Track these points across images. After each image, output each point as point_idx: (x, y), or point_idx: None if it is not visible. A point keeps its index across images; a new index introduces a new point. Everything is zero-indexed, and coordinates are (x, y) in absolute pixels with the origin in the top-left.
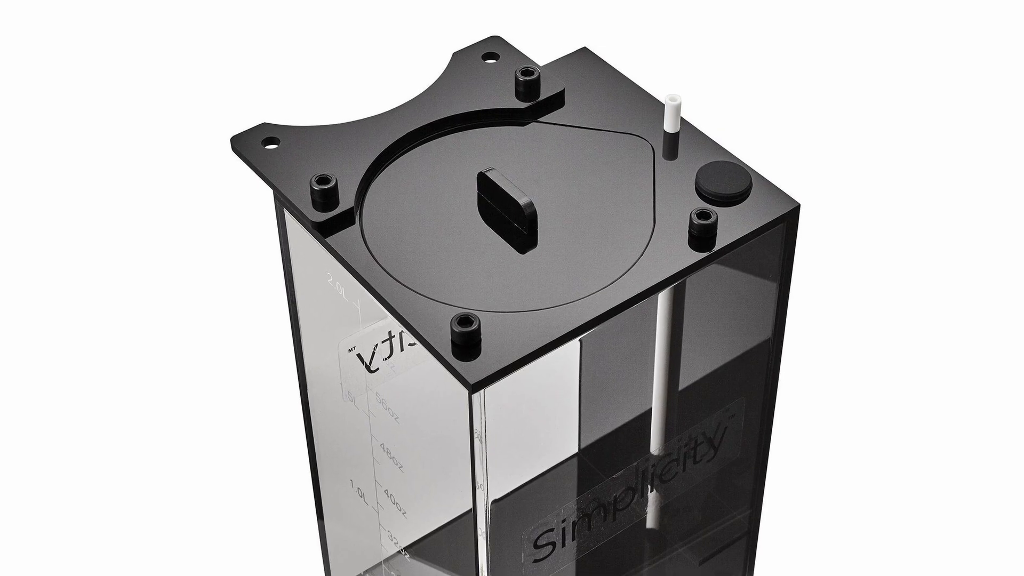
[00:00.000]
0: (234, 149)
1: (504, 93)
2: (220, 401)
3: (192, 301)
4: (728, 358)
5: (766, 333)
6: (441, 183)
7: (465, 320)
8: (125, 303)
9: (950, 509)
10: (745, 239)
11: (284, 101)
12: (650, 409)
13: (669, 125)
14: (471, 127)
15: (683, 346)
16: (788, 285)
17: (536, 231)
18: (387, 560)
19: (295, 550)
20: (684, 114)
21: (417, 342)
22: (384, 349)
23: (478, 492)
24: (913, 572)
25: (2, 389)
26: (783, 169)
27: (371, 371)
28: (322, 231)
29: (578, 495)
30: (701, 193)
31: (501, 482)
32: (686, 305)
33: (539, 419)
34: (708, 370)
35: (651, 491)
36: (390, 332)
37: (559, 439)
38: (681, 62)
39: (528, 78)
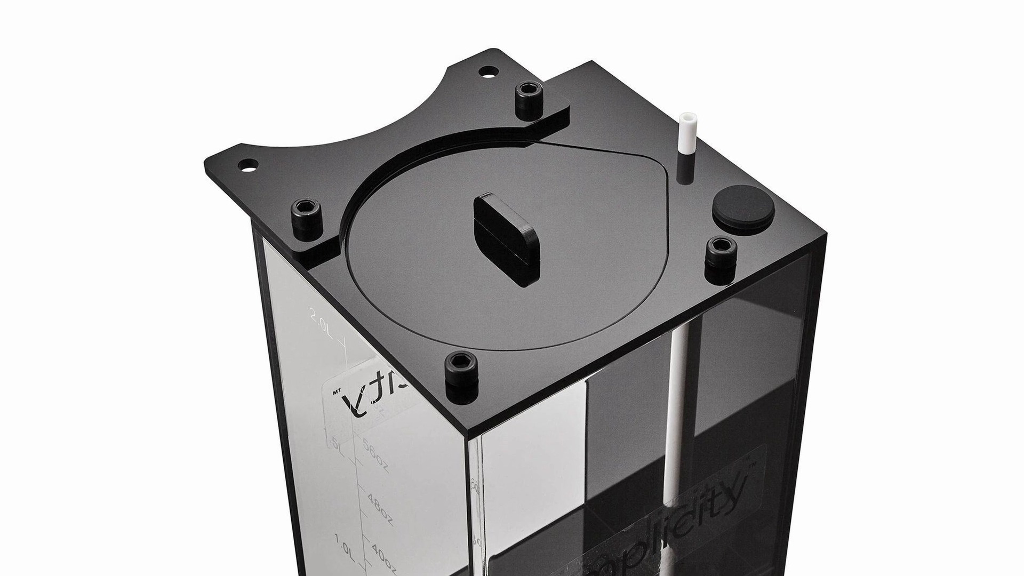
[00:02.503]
0: (208, 172)
1: (503, 111)
2: (192, 448)
3: (161, 338)
4: (748, 401)
5: (790, 373)
6: (434, 209)
7: (461, 359)
8: (87, 339)
9: (988, 572)
10: (767, 271)
11: (262, 120)
12: (663, 457)
13: (684, 146)
14: (467, 148)
15: (699, 388)
16: (814, 321)
17: (538, 262)
18: None
19: None
20: (700, 134)
21: (408, 383)
22: (372, 391)
23: (475, 548)
24: None
25: None
26: (808, 194)
27: (358, 415)
28: (304, 262)
29: (584, 551)
30: (719, 220)
31: (500, 536)
32: (702, 343)
33: (542, 468)
34: (726, 414)
35: (664, 546)
36: (379, 372)
37: (563, 489)
38: (697, 77)
39: (530, 94)
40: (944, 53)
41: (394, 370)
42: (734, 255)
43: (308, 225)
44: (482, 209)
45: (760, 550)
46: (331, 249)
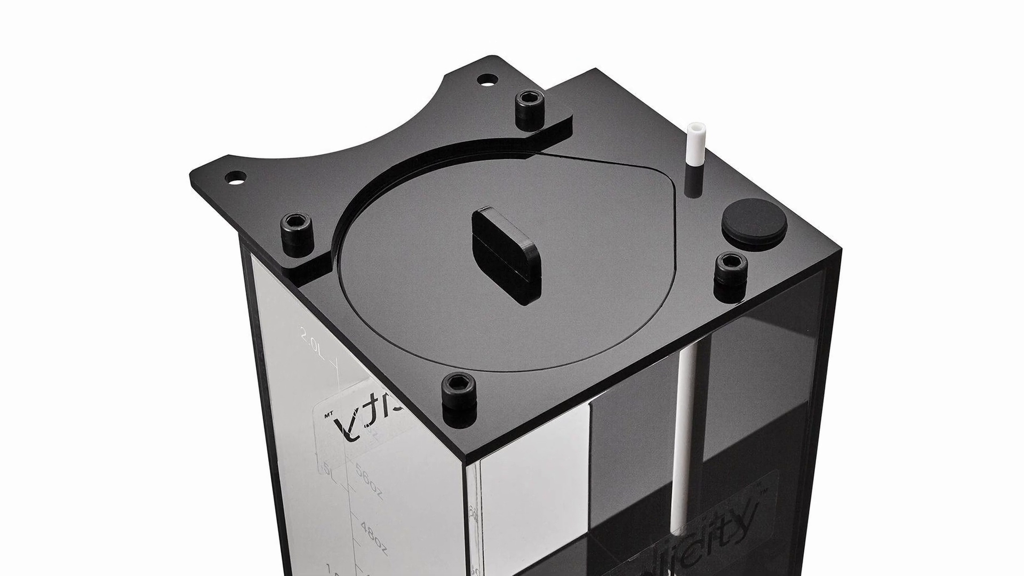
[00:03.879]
0: (194, 185)
1: (503, 121)
2: (177, 474)
3: (144, 360)
4: (760, 424)
5: (803, 396)
6: (431, 224)
7: (458, 381)
8: (63, 353)
9: None
10: (779, 288)
11: (250, 130)
12: (670, 483)
13: (692, 157)
14: (465, 160)
15: (708, 411)
16: (828, 340)
17: (539, 279)
18: None
19: None
20: (709, 145)
21: (403, 406)
22: (365, 414)
23: None
24: None
25: None
26: (822, 208)
27: (350, 439)
28: (294, 279)
29: None
30: (729, 235)
31: (500, 567)
32: (711, 364)
33: (543, 494)
34: (737, 438)
35: None
36: (372, 395)
37: (566, 517)
38: (706, 85)
39: (530, 103)
40: (960, 62)
41: (389, 392)
42: (744, 272)
43: (298, 240)
44: (481, 224)
45: None
46: (322, 265)
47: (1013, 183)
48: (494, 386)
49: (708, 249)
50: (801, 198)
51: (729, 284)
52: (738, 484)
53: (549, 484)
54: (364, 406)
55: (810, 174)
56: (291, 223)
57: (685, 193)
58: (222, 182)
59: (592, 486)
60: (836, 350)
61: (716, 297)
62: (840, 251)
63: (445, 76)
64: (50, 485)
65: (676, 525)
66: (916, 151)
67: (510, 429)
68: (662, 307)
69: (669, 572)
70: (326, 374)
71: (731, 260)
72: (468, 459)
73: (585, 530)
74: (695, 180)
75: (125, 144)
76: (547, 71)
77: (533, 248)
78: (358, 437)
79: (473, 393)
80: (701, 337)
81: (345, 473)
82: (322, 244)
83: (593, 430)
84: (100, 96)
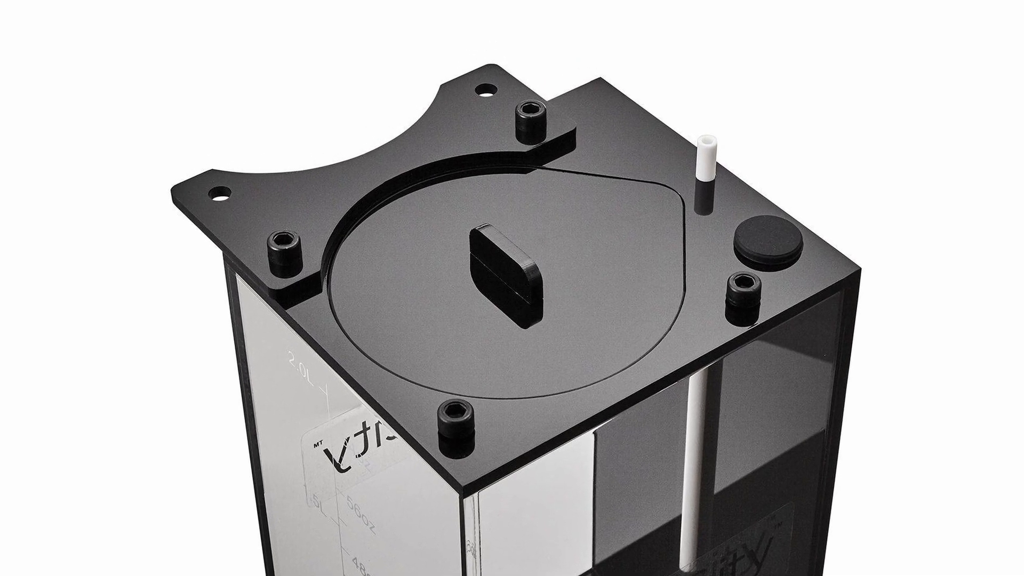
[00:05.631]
0: (175, 201)
1: (502, 133)
2: (158, 507)
3: (123, 386)
4: (774, 455)
5: (820, 424)
6: (426, 242)
7: (455, 409)
8: (38, 379)
9: None
10: (794, 310)
11: (235, 143)
12: (679, 516)
13: (702, 172)
14: (462, 174)
15: (719, 440)
16: (847, 366)
17: (541, 300)
18: None
19: None
20: (720, 159)
21: (397, 435)
22: (357, 444)
23: None
24: None
25: None
26: (840, 225)
27: (341, 470)
28: (282, 300)
29: None
30: (741, 254)
31: None
32: (723, 390)
33: (545, 528)
34: (749, 469)
35: None
36: (364, 423)
37: (569, 552)
38: (716, 95)
39: (532, 115)
40: (978, 79)
41: (381, 420)
42: (758, 293)
43: (286, 260)
44: (479, 242)
45: None
46: (312, 286)
47: None
48: (493, 414)
49: (719, 269)
50: (818, 215)
51: (742, 306)
52: (751, 518)
53: (551, 517)
54: (355, 435)
55: (827, 189)
56: (278, 242)
57: (695, 210)
58: (205, 198)
59: (596, 520)
60: (855, 376)
61: (728, 320)
62: (859, 271)
63: (442, 86)
64: (33, 522)
65: (685, 561)
66: (942, 164)
67: (510, 459)
68: (671, 330)
69: None
70: (315, 401)
71: (744, 281)
72: (466, 491)
73: (589, 566)
74: (706, 196)
75: (104, 158)
76: (549, 81)
77: (534, 268)
78: (349, 468)
79: (471, 421)
80: (712, 362)
81: (335, 506)
82: (311, 264)
83: (598, 460)
84: (77, 106)
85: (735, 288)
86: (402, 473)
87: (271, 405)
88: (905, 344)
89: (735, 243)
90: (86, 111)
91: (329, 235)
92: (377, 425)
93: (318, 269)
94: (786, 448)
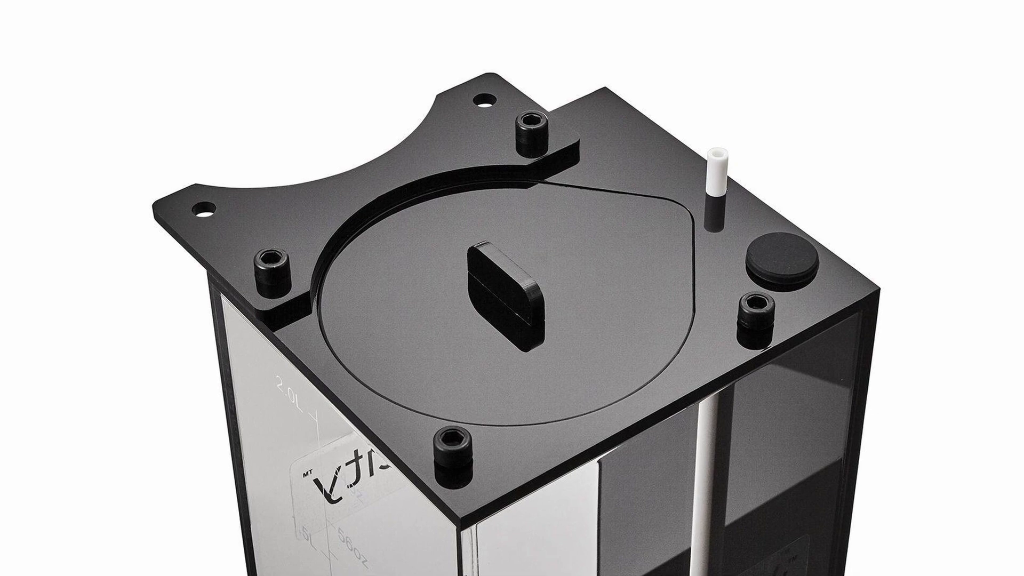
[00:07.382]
0: (157, 217)
1: (502, 145)
2: (140, 540)
3: (102, 412)
4: (788, 485)
5: (837, 452)
6: (421, 261)
7: (452, 436)
8: (16, 406)
9: None
10: (810, 332)
11: (220, 156)
12: (688, 549)
13: (713, 187)
14: (460, 189)
15: (730, 469)
16: (865, 391)
17: (543, 322)
18: None
19: None
20: (731, 173)
21: (391, 464)
22: (349, 473)
23: None
24: None
25: None
26: (858, 243)
27: (332, 501)
28: (270, 322)
29: None
30: (754, 274)
31: None
32: (734, 417)
33: (546, 562)
34: (762, 500)
35: None
36: (356, 452)
37: None
38: (727, 106)
39: (533, 126)
40: (998, 97)
41: (375, 449)
42: (771, 314)
43: (274, 279)
44: (477, 260)
45: None
46: (301, 307)
47: None
48: (492, 441)
49: (731, 289)
50: (834, 232)
51: (754, 328)
52: (764, 551)
53: (553, 551)
54: (347, 464)
55: (844, 205)
56: (266, 260)
57: (705, 226)
58: (189, 214)
59: (601, 553)
60: (873, 402)
61: (740, 342)
62: (878, 291)
63: (438, 96)
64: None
65: None
66: (966, 179)
67: (510, 490)
68: (679, 353)
69: None
70: (305, 428)
71: (756, 301)
72: (463, 523)
73: None
74: (716, 212)
75: (83, 172)
76: (551, 90)
77: (536, 288)
78: (340, 498)
79: (469, 449)
80: (723, 387)
81: (326, 538)
82: (300, 284)
83: (602, 491)
84: (56, 115)
85: (747, 309)
86: (396, 504)
87: (258, 432)
88: (926, 368)
89: (747, 261)
90: (66, 121)
91: (319, 253)
92: (370, 453)
93: (308, 289)
94: (801, 478)
